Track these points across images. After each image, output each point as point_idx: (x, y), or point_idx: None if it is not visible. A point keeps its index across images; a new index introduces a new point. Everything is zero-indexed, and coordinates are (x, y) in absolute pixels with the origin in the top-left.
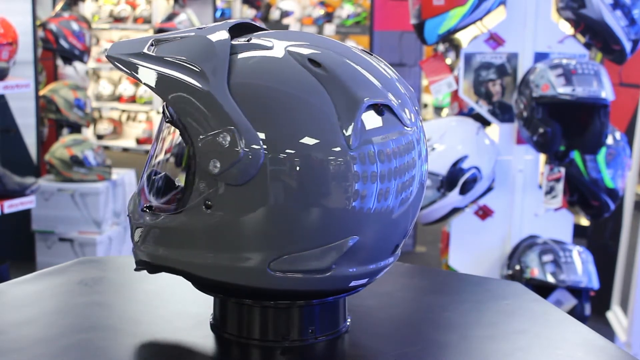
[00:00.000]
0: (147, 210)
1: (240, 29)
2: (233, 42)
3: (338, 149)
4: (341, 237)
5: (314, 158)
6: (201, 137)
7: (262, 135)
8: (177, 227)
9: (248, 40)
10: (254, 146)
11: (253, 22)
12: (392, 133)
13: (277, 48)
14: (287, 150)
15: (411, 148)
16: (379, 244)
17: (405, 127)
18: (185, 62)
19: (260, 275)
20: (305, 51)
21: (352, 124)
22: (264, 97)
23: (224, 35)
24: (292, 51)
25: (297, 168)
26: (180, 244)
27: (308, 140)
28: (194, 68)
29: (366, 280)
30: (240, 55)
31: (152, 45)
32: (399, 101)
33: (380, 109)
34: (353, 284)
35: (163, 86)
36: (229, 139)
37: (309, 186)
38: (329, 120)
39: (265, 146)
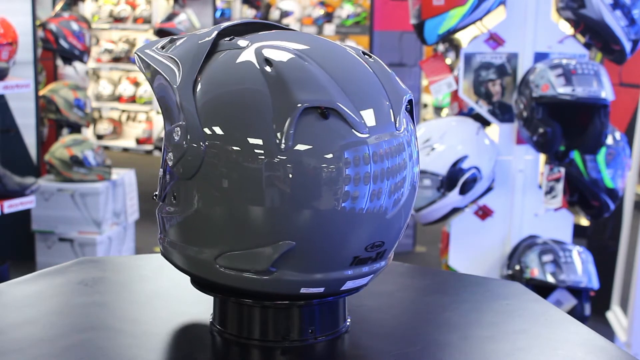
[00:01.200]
0: (154, 198)
1: (262, 28)
2: (221, 42)
3: (270, 150)
4: (275, 241)
5: (247, 158)
6: (166, 129)
7: (208, 132)
8: (162, 216)
9: (231, 40)
10: (198, 143)
11: (276, 23)
12: (336, 138)
13: (251, 48)
14: (226, 148)
15: (362, 153)
16: (327, 253)
17: (357, 133)
18: (176, 60)
19: (211, 269)
20: (270, 51)
21: (286, 126)
22: (214, 95)
23: (210, 35)
24: (259, 51)
25: (231, 167)
26: (166, 233)
27: (243, 140)
28: (177, 65)
29: (323, 289)
30: (216, 56)
31: (169, 42)
32: (364, 107)
33: (325, 113)
34: (305, 291)
35: (152, 77)
36: (179, 133)
37: (241, 186)
38: (266, 121)
39: (207, 143)
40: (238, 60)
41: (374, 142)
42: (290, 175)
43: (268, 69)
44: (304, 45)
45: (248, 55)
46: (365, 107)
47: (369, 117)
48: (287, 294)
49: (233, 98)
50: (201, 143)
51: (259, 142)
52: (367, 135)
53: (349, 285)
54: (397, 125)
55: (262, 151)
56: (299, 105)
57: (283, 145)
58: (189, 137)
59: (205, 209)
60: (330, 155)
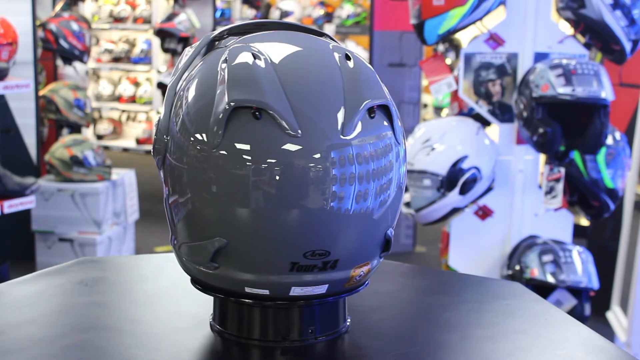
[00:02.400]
0: None
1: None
2: (223, 41)
3: (203, 147)
4: (212, 236)
5: (187, 154)
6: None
7: (170, 126)
8: None
9: (226, 39)
10: (162, 136)
11: (298, 24)
12: (265, 139)
13: (229, 47)
14: (175, 142)
15: (296, 155)
16: (260, 255)
17: (288, 134)
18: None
19: (179, 257)
20: (234, 51)
21: (217, 124)
22: (182, 90)
23: (211, 35)
24: (228, 51)
25: (177, 161)
26: None
27: (187, 137)
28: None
29: (268, 291)
30: (209, 54)
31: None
32: (303, 110)
33: (256, 114)
34: (249, 290)
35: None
36: (158, 127)
37: (182, 181)
38: (205, 119)
39: (167, 137)
40: (211, 59)
41: (307, 144)
42: (219, 174)
43: (223, 66)
44: (276, 45)
45: (219, 54)
46: (305, 110)
47: (305, 120)
48: (235, 291)
49: (191, 95)
50: (165, 136)
51: (199, 138)
52: (298, 137)
53: (297, 291)
54: (345, 131)
55: (198, 148)
56: (229, 104)
57: (213, 144)
58: (160, 131)
59: (167, 199)
60: (258, 156)
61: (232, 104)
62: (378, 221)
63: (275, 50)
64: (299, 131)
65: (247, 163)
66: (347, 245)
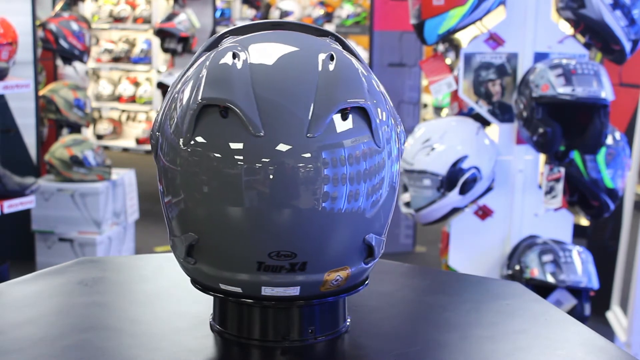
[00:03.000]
0: None
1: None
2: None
3: (177, 144)
4: (185, 232)
5: (167, 152)
6: None
7: (162, 123)
8: None
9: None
10: (156, 132)
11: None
12: (229, 136)
13: (220, 47)
14: (160, 140)
15: (259, 154)
16: (227, 252)
17: (253, 133)
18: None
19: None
20: (222, 51)
21: (188, 120)
22: (174, 87)
23: (217, 35)
24: (216, 50)
25: (160, 157)
26: None
27: (168, 134)
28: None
29: (240, 289)
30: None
31: None
32: (268, 109)
33: (222, 112)
34: (224, 287)
35: None
36: (154, 120)
37: (164, 178)
38: (183, 117)
39: (158, 133)
40: (204, 59)
41: (268, 144)
42: (186, 170)
43: (206, 65)
44: (264, 46)
45: (212, 54)
46: (271, 110)
47: (270, 120)
48: (211, 287)
49: (179, 92)
50: (157, 132)
51: (175, 134)
52: (261, 136)
53: (267, 291)
54: (309, 132)
55: (173, 143)
56: (200, 101)
57: (183, 139)
58: (154, 125)
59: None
60: (221, 154)
61: (202, 101)
62: (352, 226)
63: (261, 51)
64: (262, 131)
65: (210, 160)
66: (315, 248)
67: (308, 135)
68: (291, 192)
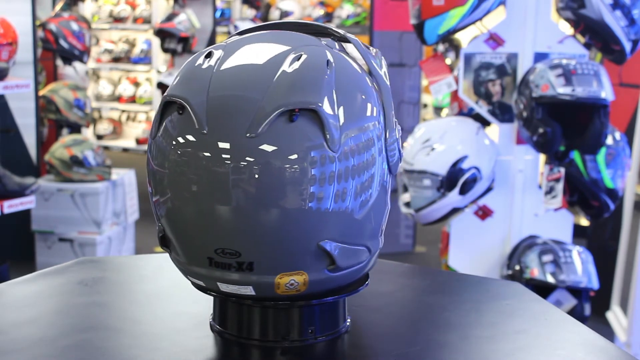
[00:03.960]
0: None
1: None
2: None
3: (150, 137)
4: (157, 222)
5: (148, 145)
6: None
7: None
8: None
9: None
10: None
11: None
12: (178, 131)
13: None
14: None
15: (201, 150)
16: (181, 244)
17: (198, 130)
18: None
19: None
20: (205, 51)
21: (156, 115)
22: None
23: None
24: (202, 50)
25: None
26: None
27: (152, 131)
28: None
29: (203, 283)
30: None
31: None
32: (215, 107)
33: (179, 108)
34: (191, 279)
35: None
36: None
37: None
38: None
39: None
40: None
41: (211, 142)
42: (151, 164)
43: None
44: (242, 46)
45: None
46: (218, 108)
47: (215, 118)
48: (188, 277)
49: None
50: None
51: (152, 130)
52: (205, 134)
53: (224, 287)
54: (250, 132)
55: (150, 139)
56: (164, 98)
57: (153, 134)
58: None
59: None
60: (172, 149)
61: (164, 97)
62: (298, 230)
63: (235, 51)
64: (206, 128)
65: (165, 153)
66: (259, 249)
67: (248, 134)
68: (229, 191)
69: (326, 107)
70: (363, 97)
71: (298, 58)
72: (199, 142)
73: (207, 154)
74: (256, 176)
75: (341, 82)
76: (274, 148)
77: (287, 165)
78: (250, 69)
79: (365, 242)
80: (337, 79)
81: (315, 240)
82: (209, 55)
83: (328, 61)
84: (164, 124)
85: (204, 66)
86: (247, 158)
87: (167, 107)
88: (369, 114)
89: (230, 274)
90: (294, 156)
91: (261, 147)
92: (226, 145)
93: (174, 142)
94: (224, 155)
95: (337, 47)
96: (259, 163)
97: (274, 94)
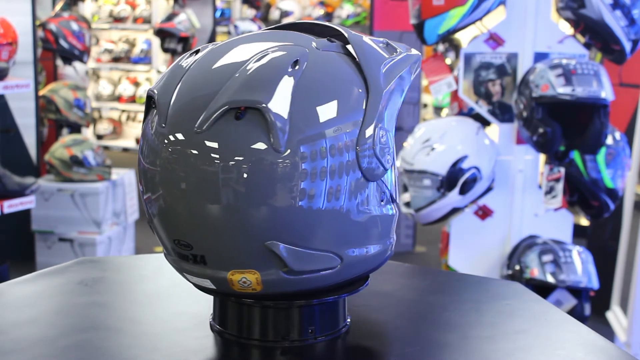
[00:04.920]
0: None
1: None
2: None
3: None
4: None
5: None
6: None
7: None
8: None
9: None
10: None
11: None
12: (150, 125)
13: (204, 45)
14: None
15: (158, 144)
16: (157, 233)
17: (160, 125)
18: None
19: None
20: (197, 49)
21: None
22: None
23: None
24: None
25: None
26: None
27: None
28: None
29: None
30: None
31: None
32: (174, 103)
33: (153, 103)
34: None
35: None
36: None
37: None
38: None
39: None
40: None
41: (167, 136)
42: (143, 158)
43: None
44: (229, 45)
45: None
46: (178, 105)
47: (174, 114)
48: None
49: None
50: None
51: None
52: (164, 128)
53: (190, 279)
54: (198, 128)
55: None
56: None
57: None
58: None
59: None
60: (142, 143)
61: (147, 91)
62: (244, 228)
63: (220, 49)
64: (164, 123)
65: (140, 146)
66: (208, 243)
67: (196, 130)
68: (179, 184)
69: (275, 107)
70: (333, 101)
71: (262, 57)
72: (157, 136)
73: (163, 148)
74: (199, 171)
75: (307, 84)
76: (216, 145)
77: (227, 163)
78: (219, 67)
79: (330, 248)
80: (302, 80)
81: (261, 240)
82: (196, 53)
83: (296, 61)
84: (145, 117)
85: (184, 63)
86: (193, 152)
87: (149, 99)
88: (334, 118)
89: (189, 266)
90: (234, 154)
91: (205, 142)
92: (176, 139)
93: (144, 134)
94: (172, 148)
95: (341, 49)
96: (202, 158)
97: (226, 91)
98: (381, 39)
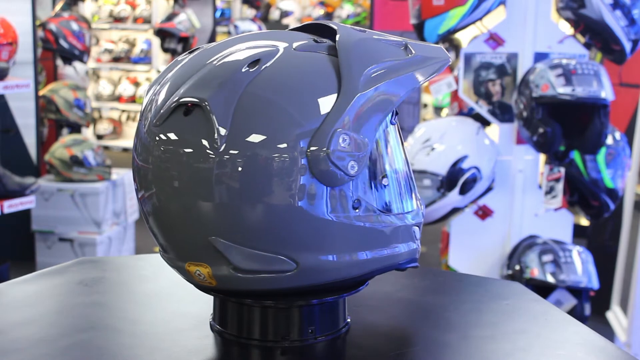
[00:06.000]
0: None
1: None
2: None
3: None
4: None
5: None
6: None
7: None
8: None
9: None
10: None
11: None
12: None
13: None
14: None
15: (136, 138)
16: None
17: (141, 117)
18: None
19: None
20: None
21: None
22: None
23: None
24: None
25: None
26: None
27: None
28: None
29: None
30: None
31: None
32: (153, 97)
33: None
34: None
35: None
36: None
37: None
38: None
39: None
40: None
41: (139, 127)
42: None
43: None
44: (219, 45)
45: None
46: (150, 99)
47: (146, 108)
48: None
49: None
50: None
51: None
52: (140, 121)
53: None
54: (156, 121)
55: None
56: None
57: None
58: None
59: None
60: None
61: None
62: (189, 222)
63: (208, 49)
64: (142, 117)
65: (136, 150)
66: (164, 233)
67: (155, 123)
68: (141, 173)
69: (216, 105)
70: (288, 101)
71: (225, 56)
72: (137, 129)
73: (136, 139)
74: (154, 163)
75: (262, 83)
76: (165, 138)
77: (173, 156)
78: (190, 65)
79: (281, 251)
80: (258, 79)
81: (205, 235)
82: (191, 52)
83: (257, 61)
84: None
85: (179, 62)
86: (150, 145)
87: None
88: (284, 118)
89: (164, 255)
90: (179, 148)
91: (158, 136)
92: (141, 132)
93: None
94: (137, 141)
95: (329, 50)
96: (155, 152)
97: (181, 88)
98: (401, 39)
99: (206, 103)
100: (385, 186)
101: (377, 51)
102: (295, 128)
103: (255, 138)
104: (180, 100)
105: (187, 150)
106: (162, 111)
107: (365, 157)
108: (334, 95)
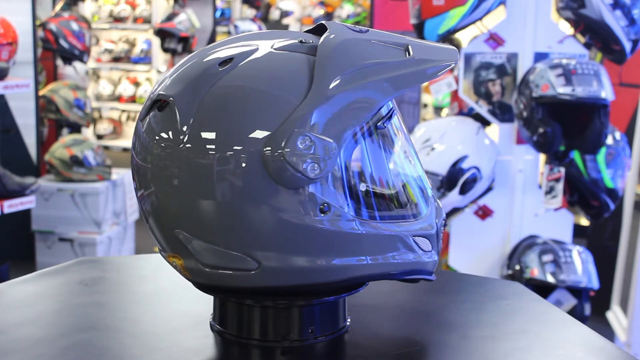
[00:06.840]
0: None
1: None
2: None
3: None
4: None
5: None
6: None
7: None
8: None
9: None
10: None
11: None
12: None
13: None
14: None
15: (136, 133)
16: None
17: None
18: None
19: None
20: None
21: None
22: None
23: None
24: None
25: None
26: None
27: None
28: None
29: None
30: None
31: None
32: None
33: None
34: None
35: None
36: None
37: None
38: None
39: None
40: None
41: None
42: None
43: None
44: (227, 43)
45: None
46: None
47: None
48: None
49: None
50: None
51: None
52: (142, 123)
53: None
54: (140, 116)
55: None
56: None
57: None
58: None
59: None
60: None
61: None
62: (158, 213)
63: (205, 49)
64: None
65: (134, 150)
66: (149, 223)
67: (140, 118)
68: (137, 169)
69: (181, 101)
70: (252, 100)
71: (204, 55)
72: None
73: (134, 138)
74: (136, 158)
75: (230, 82)
76: (144, 133)
77: (145, 149)
78: (182, 64)
79: (242, 249)
80: (227, 77)
81: (170, 227)
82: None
83: (230, 59)
84: None
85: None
86: (135, 139)
87: None
88: (246, 116)
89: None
90: (148, 142)
91: (138, 130)
92: (134, 129)
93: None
94: (135, 139)
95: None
96: (137, 146)
97: (162, 84)
98: (402, 42)
99: (172, 99)
100: (365, 193)
101: (363, 53)
102: (253, 127)
103: (211, 135)
104: (155, 96)
105: (151, 144)
106: (143, 107)
107: (332, 161)
108: (302, 96)
